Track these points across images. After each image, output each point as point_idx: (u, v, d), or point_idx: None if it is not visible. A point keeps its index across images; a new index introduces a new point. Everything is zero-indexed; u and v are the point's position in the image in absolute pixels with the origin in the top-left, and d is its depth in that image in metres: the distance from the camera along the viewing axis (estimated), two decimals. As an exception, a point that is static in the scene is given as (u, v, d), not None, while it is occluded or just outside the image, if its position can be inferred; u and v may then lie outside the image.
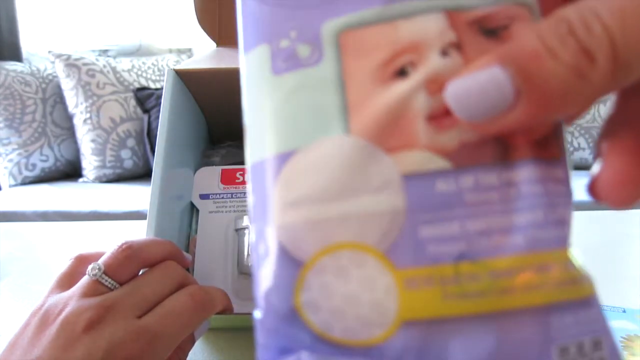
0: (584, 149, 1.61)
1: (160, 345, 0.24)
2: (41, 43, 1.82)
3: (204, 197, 0.42)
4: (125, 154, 1.63)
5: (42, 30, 1.83)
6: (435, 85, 0.13)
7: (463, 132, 0.13)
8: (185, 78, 0.41)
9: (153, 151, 1.58)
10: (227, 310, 0.29)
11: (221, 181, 0.43)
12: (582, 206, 1.29)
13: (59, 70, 1.60)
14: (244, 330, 0.39)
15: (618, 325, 0.42)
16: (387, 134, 0.13)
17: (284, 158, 0.14)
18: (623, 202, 0.13)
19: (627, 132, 0.13)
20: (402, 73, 0.14)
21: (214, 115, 0.50)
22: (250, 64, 0.15)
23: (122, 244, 0.26)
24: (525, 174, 0.13)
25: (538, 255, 0.12)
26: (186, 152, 0.43)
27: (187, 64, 0.41)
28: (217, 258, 0.38)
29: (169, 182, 0.37)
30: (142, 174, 1.66)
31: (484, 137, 0.13)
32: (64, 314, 0.24)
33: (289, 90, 0.14)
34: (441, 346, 0.12)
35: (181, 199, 0.40)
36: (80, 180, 1.63)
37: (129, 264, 0.26)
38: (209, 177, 0.43)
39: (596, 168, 0.14)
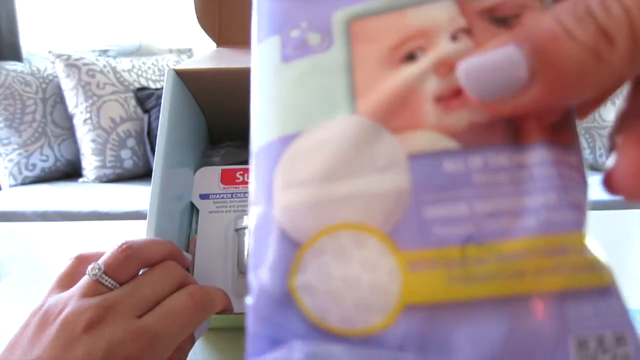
0: (584, 149, 1.61)
1: (160, 345, 0.24)
2: (41, 43, 1.82)
3: (204, 197, 0.42)
4: (125, 154, 1.63)
5: (42, 30, 1.83)
6: (444, 68, 0.13)
7: (473, 114, 0.13)
8: (185, 78, 0.41)
9: (153, 151, 1.58)
10: (227, 310, 0.29)
11: (221, 181, 0.43)
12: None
13: (59, 70, 1.60)
14: (244, 330, 0.39)
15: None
16: (394, 115, 0.13)
17: (287, 140, 0.14)
18: (638, 193, 0.13)
19: (639, 122, 0.13)
20: (411, 57, 0.13)
21: (213, 115, 0.50)
22: (261, 54, 0.15)
23: (122, 244, 0.26)
24: (538, 157, 0.12)
25: (552, 238, 0.11)
26: (186, 152, 0.43)
27: (187, 64, 0.42)
28: (217, 258, 0.38)
29: (169, 182, 0.37)
30: (142, 174, 1.66)
31: (495, 119, 0.12)
32: (64, 314, 0.24)
33: (297, 76, 0.14)
34: (446, 335, 0.11)
35: (181, 199, 0.40)
36: (80, 180, 1.63)
37: (129, 264, 0.26)
38: (209, 177, 0.43)
39: (611, 161, 0.13)
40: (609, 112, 1.55)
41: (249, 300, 0.14)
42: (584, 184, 0.13)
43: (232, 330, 0.40)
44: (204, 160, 0.47)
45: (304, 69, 0.14)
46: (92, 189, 1.54)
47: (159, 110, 1.57)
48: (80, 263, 0.28)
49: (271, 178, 0.14)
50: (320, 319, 0.12)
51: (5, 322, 0.43)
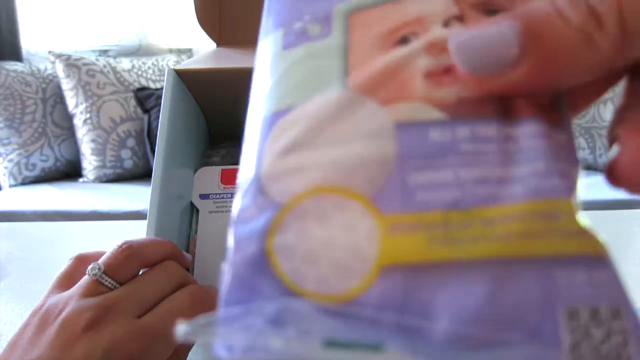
0: (583, 149, 1.61)
1: (160, 344, 0.24)
2: (41, 43, 1.82)
3: (204, 197, 0.42)
4: (126, 154, 1.63)
5: (42, 30, 1.83)
6: (435, 48, 0.13)
7: (462, 89, 0.13)
8: (185, 78, 0.41)
9: (153, 151, 1.58)
10: None
11: (221, 181, 0.43)
12: (583, 206, 1.30)
13: (59, 70, 1.60)
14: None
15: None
16: (383, 87, 0.13)
17: (280, 114, 0.14)
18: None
19: (638, 114, 0.13)
20: (404, 41, 0.14)
21: (214, 116, 0.49)
22: (265, 47, 0.16)
23: (122, 244, 0.26)
24: (527, 130, 0.12)
25: (541, 203, 0.11)
26: (186, 152, 0.43)
27: (187, 64, 0.41)
28: (217, 258, 0.38)
29: (169, 182, 0.37)
30: (142, 174, 1.66)
31: (484, 96, 0.13)
32: (64, 313, 0.24)
33: (296, 60, 0.15)
34: (426, 297, 0.11)
35: (181, 199, 0.40)
36: (80, 180, 1.63)
37: (129, 264, 0.26)
38: (209, 177, 0.43)
39: (613, 152, 0.13)
40: (608, 112, 1.55)
41: (223, 265, 0.13)
42: (573, 160, 0.12)
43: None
44: (204, 161, 0.47)
45: (302, 54, 0.15)
46: (92, 189, 1.54)
47: (159, 110, 1.57)
48: (80, 263, 0.28)
49: (262, 147, 0.14)
50: (296, 282, 0.12)
51: (5, 322, 0.43)
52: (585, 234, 0.11)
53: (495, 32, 0.12)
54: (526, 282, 0.11)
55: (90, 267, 0.26)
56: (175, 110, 0.39)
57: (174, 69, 0.40)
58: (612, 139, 0.14)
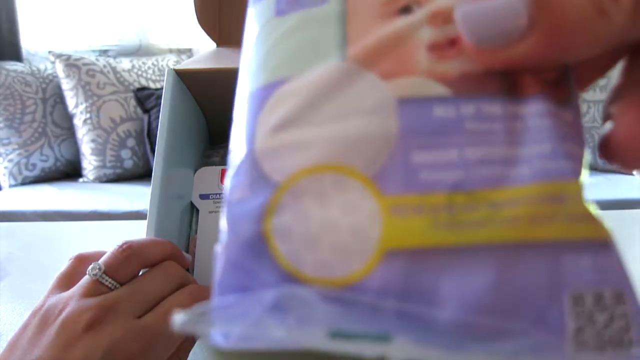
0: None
1: (160, 345, 0.24)
2: (41, 43, 1.82)
3: (203, 197, 0.42)
4: (125, 154, 1.63)
5: (42, 30, 1.83)
6: (439, 18, 0.13)
7: (467, 63, 0.12)
8: (185, 78, 0.41)
9: (153, 151, 1.58)
10: None
11: (221, 181, 0.43)
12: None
13: (59, 70, 1.60)
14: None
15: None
16: (384, 61, 0.12)
17: (274, 86, 0.13)
18: (633, 161, 0.13)
19: (636, 92, 0.13)
20: (406, 10, 0.13)
21: (214, 116, 0.49)
22: (255, 13, 0.15)
23: (123, 244, 0.26)
24: (533, 108, 0.12)
25: (548, 186, 0.11)
26: (186, 152, 0.43)
27: (187, 64, 0.41)
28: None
29: (169, 182, 0.37)
30: (142, 174, 1.66)
31: (490, 70, 0.12)
32: (64, 313, 0.24)
33: (289, 28, 0.14)
34: (429, 282, 0.11)
35: (181, 199, 0.40)
36: (80, 180, 1.63)
37: (129, 264, 0.26)
38: (209, 177, 0.43)
39: (607, 128, 0.13)
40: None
41: (218, 247, 0.13)
42: (580, 140, 0.12)
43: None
44: (204, 161, 0.47)
45: (296, 21, 0.14)
46: (92, 189, 1.53)
47: (159, 110, 1.57)
48: (80, 263, 0.28)
49: (255, 122, 0.13)
50: (295, 265, 0.12)
51: (5, 322, 0.43)
52: (591, 218, 0.11)
53: (503, 1, 0.11)
54: (532, 268, 0.10)
55: (90, 267, 0.26)
56: (175, 110, 0.39)
57: (174, 69, 0.40)
58: (606, 116, 0.13)
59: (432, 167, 0.11)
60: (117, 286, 0.25)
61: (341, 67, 0.13)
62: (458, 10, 0.12)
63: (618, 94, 0.14)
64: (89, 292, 0.25)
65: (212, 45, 0.53)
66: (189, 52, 1.88)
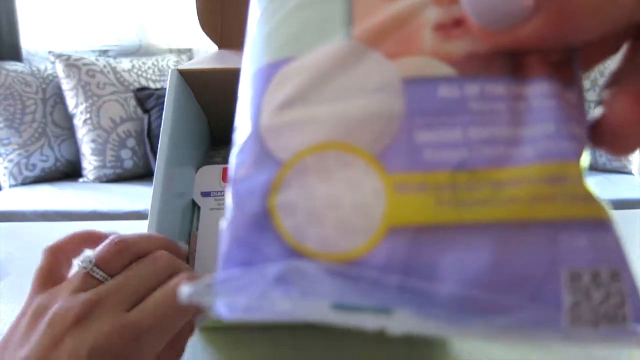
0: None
1: (147, 340, 0.24)
2: (41, 43, 1.82)
3: (205, 194, 0.42)
4: (125, 154, 1.63)
5: (42, 30, 1.83)
6: None
7: (472, 43, 0.12)
8: (188, 78, 0.41)
9: (153, 151, 1.58)
10: None
11: (222, 179, 0.43)
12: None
13: (59, 70, 1.60)
14: (245, 330, 0.39)
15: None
16: (390, 40, 0.13)
17: (279, 65, 0.13)
18: (623, 146, 0.13)
19: (633, 78, 0.13)
20: None
21: (216, 117, 0.50)
22: None
23: (115, 237, 0.26)
24: (537, 89, 0.12)
25: (549, 166, 0.11)
26: (188, 152, 0.43)
27: (190, 65, 0.42)
28: (218, 254, 0.38)
29: (171, 180, 0.37)
30: (142, 174, 1.66)
31: (495, 51, 0.12)
32: (53, 309, 0.23)
33: (294, 6, 0.14)
34: (431, 258, 0.11)
35: (182, 196, 0.41)
36: (80, 180, 1.63)
37: (120, 257, 0.26)
38: (211, 175, 0.43)
39: (598, 112, 0.13)
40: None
41: (224, 223, 0.13)
42: (582, 120, 0.12)
43: (232, 330, 0.40)
44: (206, 161, 0.47)
45: (301, 0, 0.14)
46: (92, 189, 1.53)
47: (159, 110, 1.58)
48: (55, 255, 0.27)
49: (260, 99, 0.13)
50: (299, 241, 0.12)
51: (5, 322, 0.43)
52: (589, 198, 0.11)
53: None
54: (531, 246, 0.11)
55: (81, 259, 0.25)
56: (178, 110, 0.39)
57: (177, 69, 0.40)
58: (600, 101, 0.13)
59: (436, 146, 0.12)
60: (108, 279, 0.25)
61: (347, 46, 0.13)
62: None
63: (614, 79, 0.13)
64: (79, 287, 0.24)
65: (212, 46, 0.53)
66: (189, 52, 1.88)
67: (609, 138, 0.13)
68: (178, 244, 0.31)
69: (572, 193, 0.11)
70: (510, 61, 0.12)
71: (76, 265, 0.26)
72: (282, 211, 0.12)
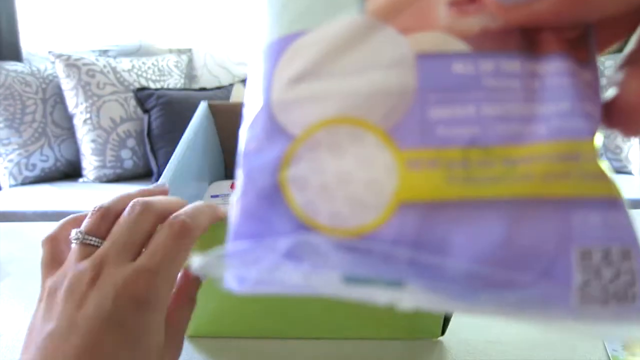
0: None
1: (159, 279, 0.25)
2: (41, 43, 1.82)
3: (214, 196, 0.45)
4: (126, 154, 1.63)
5: (42, 30, 1.83)
6: None
7: (487, 19, 0.12)
8: (214, 110, 0.44)
9: (153, 151, 1.58)
10: (218, 219, 0.29)
11: (231, 187, 0.46)
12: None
13: (59, 70, 1.60)
14: (244, 338, 0.39)
15: (618, 326, 0.41)
16: (404, 15, 0.12)
17: (290, 39, 0.13)
18: (636, 127, 0.13)
19: None
20: None
21: (232, 152, 0.53)
22: None
23: (94, 208, 0.28)
24: (552, 67, 0.12)
25: (563, 144, 0.11)
26: (196, 179, 0.46)
27: (221, 102, 0.46)
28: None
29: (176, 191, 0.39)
30: (142, 174, 1.66)
31: (510, 27, 0.12)
32: (65, 283, 0.25)
33: None
34: (442, 234, 0.11)
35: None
36: (80, 180, 1.63)
37: (105, 221, 0.27)
38: (220, 186, 0.47)
39: (611, 93, 0.13)
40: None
41: (234, 197, 0.13)
42: (597, 99, 0.12)
43: (230, 338, 0.40)
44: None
45: None
46: (92, 189, 1.53)
47: (159, 110, 1.58)
48: (54, 244, 0.28)
49: (271, 73, 0.13)
50: (309, 215, 0.12)
51: (5, 322, 0.43)
52: (602, 176, 0.11)
53: None
54: (543, 223, 0.11)
55: (72, 234, 0.27)
56: (197, 140, 0.41)
57: (209, 103, 0.41)
58: (613, 82, 0.13)
59: (449, 123, 0.12)
60: (102, 242, 0.26)
61: (360, 21, 0.13)
62: None
63: (629, 60, 0.13)
64: (81, 257, 0.26)
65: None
66: (189, 52, 1.88)
67: (622, 119, 0.13)
68: (157, 185, 0.33)
69: (585, 171, 0.11)
70: (525, 38, 0.12)
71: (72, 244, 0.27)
72: (293, 185, 0.12)
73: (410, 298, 0.10)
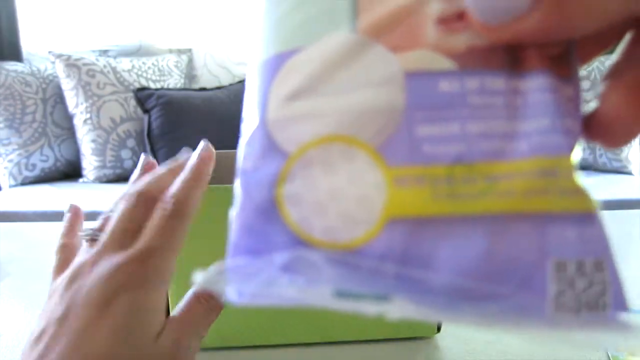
0: (583, 149, 1.61)
1: (156, 260, 0.25)
2: (41, 43, 1.82)
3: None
4: (126, 154, 1.63)
5: (42, 30, 1.83)
6: None
7: (473, 37, 0.12)
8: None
9: (153, 151, 1.58)
10: (205, 180, 0.29)
11: None
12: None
13: (59, 70, 1.60)
14: (243, 348, 0.39)
15: (618, 326, 0.41)
16: (393, 33, 0.13)
17: (286, 56, 0.14)
18: (616, 139, 0.13)
19: (630, 70, 0.13)
20: None
21: None
22: None
23: (101, 216, 0.28)
24: (535, 84, 0.12)
25: (543, 161, 0.12)
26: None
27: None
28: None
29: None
30: (142, 174, 1.66)
31: (495, 45, 0.12)
32: (68, 273, 0.25)
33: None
34: (427, 248, 0.12)
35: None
36: (80, 180, 1.63)
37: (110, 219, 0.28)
38: None
39: (593, 105, 0.13)
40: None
41: (233, 211, 0.14)
42: (578, 114, 0.13)
43: (228, 348, 0.40)
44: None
45: None
46: (92, 189, 1.54)
47: (159, 110, 1.58)
48: (65, 250, 0.29)
49: (267, 91, 0.14)
50: (305, 230, 0.13)
51: (5, 322, 0.43)
52: (579, 192, 0.12)
53: None
54: (521, 238, 0.11)
55: (83, 233, 0.27)
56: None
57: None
58: (597, 95, 0.14)
59: (435, 140, 0.12)
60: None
61: (351, 39, 0.13)
62: None
63: (611, 72, 0.14)
64: (85, 251, 0.26)
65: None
66: (189, 52, 1.88)
67: (602, 132, 0.13)
68: (143, 164, 0.34)
69: (563, 187, 0.12)
70: (510, 55, 0.12)
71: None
72: (288, 202, 0.13)
73: (396, 310, 0.11)
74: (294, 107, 0.13)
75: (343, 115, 0.13)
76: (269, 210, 0.13)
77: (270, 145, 0.13)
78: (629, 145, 0.13)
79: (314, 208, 0.12)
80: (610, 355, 0.36)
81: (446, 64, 0.12)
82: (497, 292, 0.11)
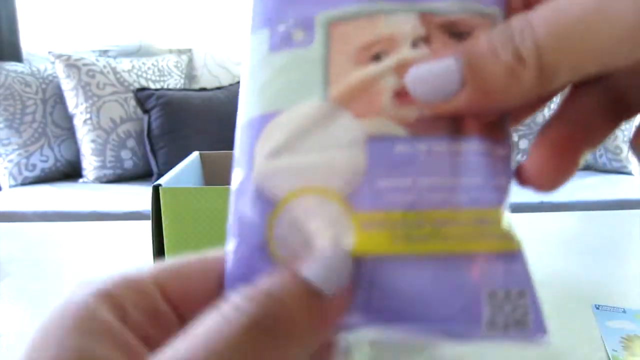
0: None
1: None
2: (41, 43, 1.82)
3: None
4: (125, 154, 1.63)
5: (42, 30, 1.83)
6: (403, 69, 0.16)
7: (421, 109, 0.15)
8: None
9: (153, 151, 1.58)
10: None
11: None
12: (583, 206, 1.29)
13: (59, 70, 1.60)
14: None
15: (617, 326, 0.42)
16: (358, 102, 0.16)
17: (268, 117, 0.16)
18: (543, 187, 0.16)
19: (553, 125, 0.16)
20: (377, 58, 0.16)
21: None
22: (252, 44, 0.18)
23: None
24: (471, 147, 0.15)
25: (477, 211, 0.15)
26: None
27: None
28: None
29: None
30: (142, 174, 1.66)
31: (439, 115, 0.15)
32: None
33: (281, 65, 0.17)
34: (387, 278, 0.15)
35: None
36: (80, 180, 1.63)
37: None
38: None
39: (518, 158, 0.15)
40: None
41: (230, 246, 0.16)
42: (508, 171, 0.16)
43: None
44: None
45: (287, 60, 0.17)
46: (92, 189, 1.54)
47: (159, 111, 1.58)
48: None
49: (253, 147, 0.16)
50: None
51: (5, 322, 0.43)
52: (507, 236, 0.15)
53: (442, 66, 0.15)
54: (461, 272, 0.15)
55: None
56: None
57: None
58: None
59: (392, 191, 0.15)
60: None
61: (323, 106, 0.16)
62: (408, 73, 0.15)
63: (542, 128, 0.16)
64: None
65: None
66: (189, 52, 1.88)
67: (530, 180, 0.16)
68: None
69: (492, 232, 0.15)
70: (451, 123, 0.15)
71: None
72: (277, 242, 0.16)
73: (363, 334, 0.14)
74: (277, 162, 0.16)
75: (317, 170, 0.16)
76: (262, 249, 0.16)
77: (258, 196, 0.16)
78: (558, 189, 0.16)
79: (299, 248, 0.15)
80: (610, 355, 0.36)
81: (400, 131, 0.16)
82: (442, 314, 0.15)
